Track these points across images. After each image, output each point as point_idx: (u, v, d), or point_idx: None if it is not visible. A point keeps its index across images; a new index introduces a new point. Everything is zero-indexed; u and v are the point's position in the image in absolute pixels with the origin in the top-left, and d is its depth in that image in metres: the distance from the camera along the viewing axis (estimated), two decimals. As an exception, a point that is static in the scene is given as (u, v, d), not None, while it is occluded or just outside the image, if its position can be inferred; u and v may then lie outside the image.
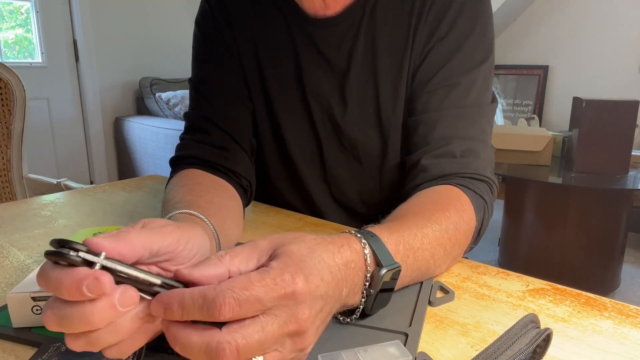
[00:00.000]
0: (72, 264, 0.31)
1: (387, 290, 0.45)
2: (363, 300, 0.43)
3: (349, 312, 0.45)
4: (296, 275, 0.34)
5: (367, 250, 0.43)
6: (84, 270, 0.30)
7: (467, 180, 0.63)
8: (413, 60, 0.69)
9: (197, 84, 0.76)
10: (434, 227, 0.52)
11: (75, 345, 0.32)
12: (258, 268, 0.35)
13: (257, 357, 0.33)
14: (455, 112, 0.66)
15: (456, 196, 0.60)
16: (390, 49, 0.69)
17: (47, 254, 0.31)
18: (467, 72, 0.67)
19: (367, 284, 0.42)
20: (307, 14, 0.70)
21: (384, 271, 0.42)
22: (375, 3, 0.69)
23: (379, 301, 0.44)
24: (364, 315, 0.45)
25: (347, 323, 0.44)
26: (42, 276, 0.32)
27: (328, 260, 0.38)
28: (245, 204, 0.72)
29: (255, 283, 0.32)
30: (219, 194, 0.62)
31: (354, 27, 0.70)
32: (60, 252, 0.30)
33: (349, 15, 0.69)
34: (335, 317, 0.45)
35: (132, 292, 0.32)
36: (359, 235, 0.44)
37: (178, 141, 0.75)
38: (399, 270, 0.44)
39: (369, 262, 0.42)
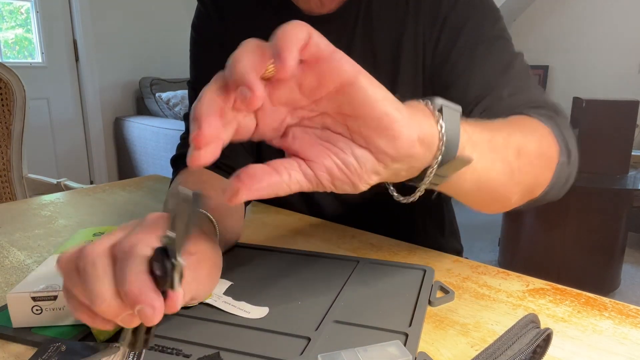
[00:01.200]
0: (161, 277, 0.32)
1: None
2: (442, 129, 0.36)
3: (407, 191, 0.41)
4: None
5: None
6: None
7: (528, 110, 0.56)
8: (428, 51, 0.67)
9: (196, 85, 0.76)
10: (513, 132, 0.47)
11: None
12: None
13: None
14: (486, 63, 0.62)
15: (524, 119, 0.53)
16: (387, 44, 0.69)
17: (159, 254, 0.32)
18: (487, 31, 0.64)
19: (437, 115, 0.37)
20: (303, 11, 0.70)
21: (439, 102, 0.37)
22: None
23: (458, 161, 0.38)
24: (366, 312, 0.45)
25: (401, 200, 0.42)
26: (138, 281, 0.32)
27: None
28: (246, 202, 0.73)
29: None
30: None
31: (350, 23, 0.70)
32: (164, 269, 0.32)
33: (345, 12, 0.69)
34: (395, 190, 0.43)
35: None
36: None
37: (178, 141, 0.75)
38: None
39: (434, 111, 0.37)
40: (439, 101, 0.37)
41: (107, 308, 0.32)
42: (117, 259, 0.33)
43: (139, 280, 0.31)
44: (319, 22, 0.70)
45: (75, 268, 0.33)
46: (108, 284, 0.32)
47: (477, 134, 0.41)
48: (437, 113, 0.37)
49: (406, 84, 0.70)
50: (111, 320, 0.32)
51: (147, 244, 0.33)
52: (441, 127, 0.36)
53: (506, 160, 0.44)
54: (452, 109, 0.38)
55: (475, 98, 0.61)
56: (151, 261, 0.32)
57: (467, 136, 0.39)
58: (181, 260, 0.32)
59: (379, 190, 0.76)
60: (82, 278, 0.32)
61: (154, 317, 0.31)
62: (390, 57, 0.69)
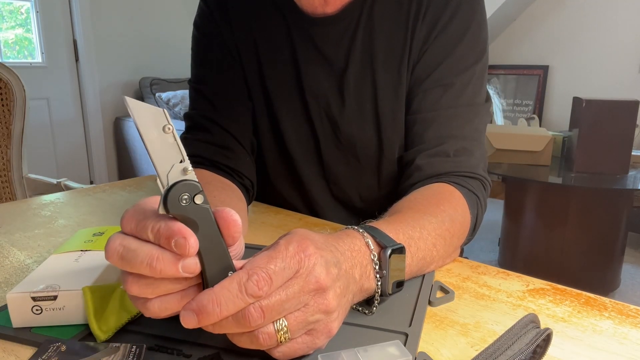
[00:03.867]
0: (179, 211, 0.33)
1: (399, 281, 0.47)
2: (379, 284, 0.45)
3: (367, 304, 0.46)
4: (302, 242, 0.36)
5: (368, 237, 0.45)
6: (181, 225, 0.33)
7: (460, 178, 0.64)
8: (412, 59, 0.69)
9: (197, 85, 0.76)
10: (430, 220, 0.54)
11: (132, 288, 0.34)
12: None
13: (281, 320, 0.35)
14: (450, 112, 0.67)
15: (449, 192, 0.62)
16: (388, 48, 0.69)
17: (175, 185, 0.33)
18: (462, 72, 0.68)
19: (377, 267, 0.44)
20: (306, 12, 0.70)
21: (389, 251, 0.44)
22: (373, 1, 0.69)
23: (394, 276, 0.46)
24: (367, 312, 0.45)
25: (367, 314, 0.45)
26: (134, 218, 0.34)
27: (333, 242, 0.41)
28: (248, 203, 0.73)
29: (272, 256, 0.35)
30: (228, 195, 0.63)
31: (352, 25, 0.70)
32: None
33: (347, 14, 0.69)
34: (357, 310, 0.46)
35: (196, 261, 0.34)
36: (355, 227, 0.47)
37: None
38: (404, 253, 0.46)
39: (372, 246, 0.45)
40: (389, 252, 0.44)
41: (161, 263, 0.32)
42: (135, 226, 0.34)
43: (159, 220, 0.33)
44: (322, 23, 0.71)
45: (120, 258, 0.34)
46: (147, 245, 0.33)
47: (413, 244, 0.50)
48: (380, 272, 0.44)
49: (405, 86, 0.70)
50: (171, 271, 0.33)
51: (145, 203, 0.36)
52: (379, 278, 0.44)
53: (434, 251, 0.53)
54: (399, 256, 0.45)
55: (429, 139, 0.67)
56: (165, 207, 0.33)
57: (409, 259, 0.48)
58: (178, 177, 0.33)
59: (377, 193, 0.77)
60: (128, 260, 0.33)
61: (189, 247, 0.32)
62: (390, 61, 0.70)
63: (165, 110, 0.33)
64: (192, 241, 0.32)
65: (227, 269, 0.35)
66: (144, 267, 0.33)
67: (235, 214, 0.35)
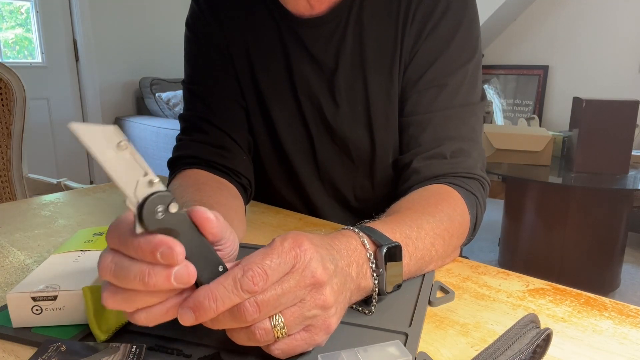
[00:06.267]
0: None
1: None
2: (376, 282, 0.45)
3: (365, 303, 0.46)
4: (298, 238, 0.37)
5: (364, 237, 0.45)
6: (161, 237, 0.32)
7: (458, 179, 0.64)
8: (403, 60, 0.69)
9: (191, 85, 0.76)
10: (428, 219, 0.54)
11: (113, 301, 0.34)
12: None
13: (277, 316, 0.35)
14: (445, 113, 0.67)
15: (447, 193, 0.62)
16: (378, 49, 0.69)
17: (145, 201, 0.32)
18: (455, 72, 0.67)
19: (373, 265, 0.44)
20: (294, 14, 0.70)
21: (384, 249, 0.44)
22: (361, 2, 0.69)
23: (392, 282, 0.46)
24: (366, 311, 0.45)
25: (366, 314, 0.45)
26: (116, 236, 0.34)
27: (328, 241, 0.41)
28: (246, 202, 0.73)
29: (268, 252, 0.35)
30: (224, 195, 0.63)
31: (341, 26, 0.70)
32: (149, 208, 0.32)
33: (336, 15, 0.69)
34: (356, 309, 0.46)
35: (190, 270, 0.33)
36: (351, 228, 0.47)
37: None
38: (400, 251, 0.46)
39: (367, 245, 0.45)
40: (384, 250, 0.44)
41: (153, 278, 0.32)
42: (119, 244, 0.34)
43: (139, 237, 0.33)
44: (311, 25, 0.71)
45: (113, 275, 0.34)
46: (136, 263, 0.33)
47: (411, 244, 0.50)
48: (377, 270, 0.44)
49: (397, 88, 0.70)
50: (165, 284, 0.33)
51: (121, 221, 0.35)
52: (376, 276, 0.44)
53: (433, 250, 0.53)
54: (396, 263, 0.45)
55: (425, 141, 0.67)
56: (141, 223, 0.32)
57: (407, 258, 0.48)
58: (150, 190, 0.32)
59: (371, 193, 0.77)
60: (121, 277, 0.33)
61: (175, 256, 0.32)
62: (381, 62, 0.69)
63: (116, 127, 0.31)
64: (178, 249, 0.32)
65: (217, 265, 0.35)
66: (137, 283, 0.32)
67: (207, 211, 0.35)
